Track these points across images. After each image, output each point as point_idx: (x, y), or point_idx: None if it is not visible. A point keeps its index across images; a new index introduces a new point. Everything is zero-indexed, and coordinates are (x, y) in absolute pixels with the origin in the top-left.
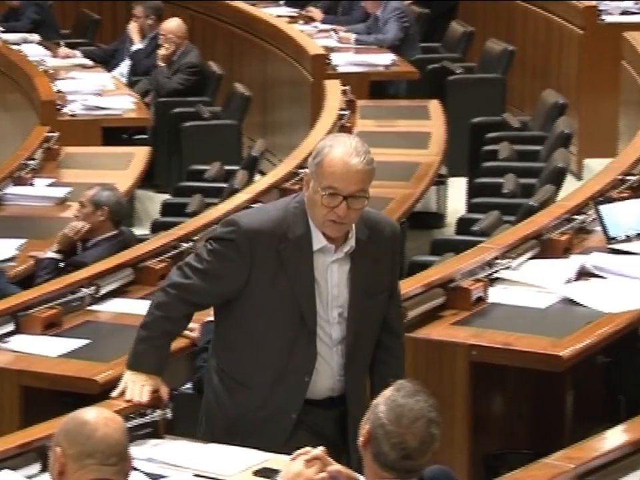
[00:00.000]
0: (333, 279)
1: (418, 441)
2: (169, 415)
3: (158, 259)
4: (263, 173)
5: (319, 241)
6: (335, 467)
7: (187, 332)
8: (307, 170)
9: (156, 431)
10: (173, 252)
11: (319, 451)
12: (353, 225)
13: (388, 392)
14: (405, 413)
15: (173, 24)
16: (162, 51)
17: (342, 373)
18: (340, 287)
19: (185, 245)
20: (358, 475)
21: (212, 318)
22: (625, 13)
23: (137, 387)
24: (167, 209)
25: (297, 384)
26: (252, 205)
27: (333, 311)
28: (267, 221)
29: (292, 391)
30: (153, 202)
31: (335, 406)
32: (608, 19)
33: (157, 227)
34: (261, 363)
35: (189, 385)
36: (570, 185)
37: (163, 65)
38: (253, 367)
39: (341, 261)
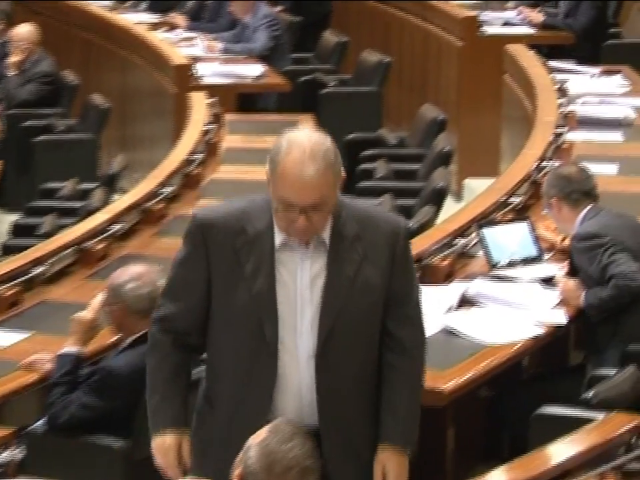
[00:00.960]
0: (303, 279)
1: None
2: (19, 455)
3: (8, 285)
4: (123, 191)
5: (281, 235)
6: None
7: (38, 365)
8: (266, 167)
9: (6, 472)
10: (24, 277)
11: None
12: (329, 219)
13: (263, 433)
14: (277, 462)
15: (24, 30)
16: (12, 59)
17: (314, 395)
18: (314, 288)
19: (38, 270)
20: None
21: (68, 349)
22: (506, 24)
23: (166, 459)
24: (17, 229)
25: (259, 404)
26: (109, 227)
27: (304, 316)
28: (223, 213)
29: (254, 414)
30: (1, 222)
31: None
32: (489, 30)
33: (7, 250)
34: (225, 379)
35: (41, 422)
36: (449, 206)
37: (13, 73)
38: (219, 383)
39: (316, 259)
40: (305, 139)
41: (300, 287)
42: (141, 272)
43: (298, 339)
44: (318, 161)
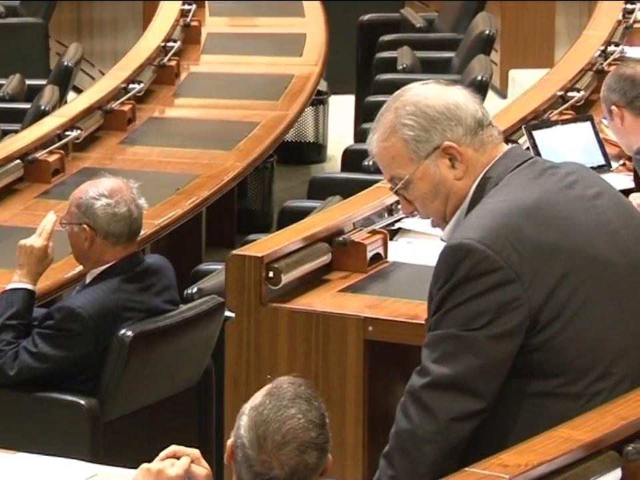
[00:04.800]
0: None
1: (287, 471)
2: None
3: None
4: (78, 90)
5: None
6: (200, 467)
7: None
8: None
9: None
10: None
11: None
12: (458, 211)
13: (260, 395)
14: (269, 435)
15: None
16: None
17: None
18: None
19: None
20: None
21: (15, 285)
22: None
23: None
24: None
25: None
26: (67, 133)
27: None
28: None
29: None
30: None
31: None
32: None
33: None
34: None
35: None
36: (491, 103)
37: None
38: None
39: None
40: (401, 89)
41: None
42: (115, 187)
43: None
44: (377, 130)
